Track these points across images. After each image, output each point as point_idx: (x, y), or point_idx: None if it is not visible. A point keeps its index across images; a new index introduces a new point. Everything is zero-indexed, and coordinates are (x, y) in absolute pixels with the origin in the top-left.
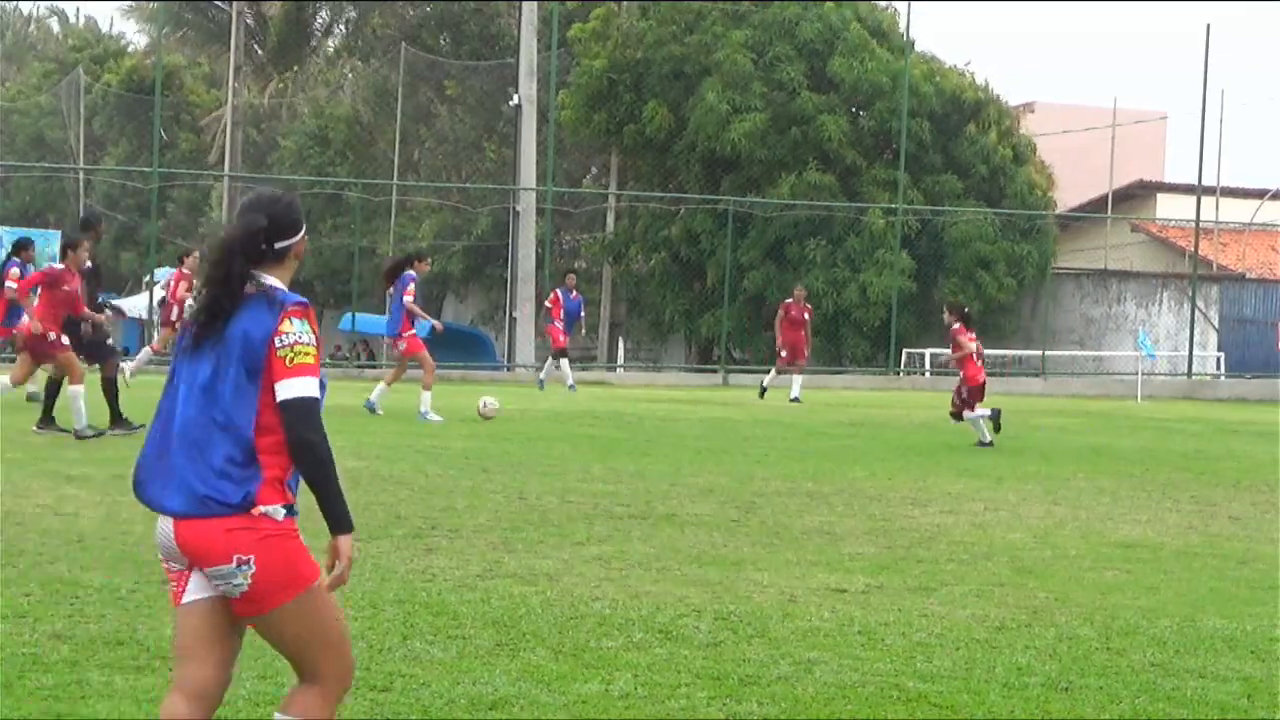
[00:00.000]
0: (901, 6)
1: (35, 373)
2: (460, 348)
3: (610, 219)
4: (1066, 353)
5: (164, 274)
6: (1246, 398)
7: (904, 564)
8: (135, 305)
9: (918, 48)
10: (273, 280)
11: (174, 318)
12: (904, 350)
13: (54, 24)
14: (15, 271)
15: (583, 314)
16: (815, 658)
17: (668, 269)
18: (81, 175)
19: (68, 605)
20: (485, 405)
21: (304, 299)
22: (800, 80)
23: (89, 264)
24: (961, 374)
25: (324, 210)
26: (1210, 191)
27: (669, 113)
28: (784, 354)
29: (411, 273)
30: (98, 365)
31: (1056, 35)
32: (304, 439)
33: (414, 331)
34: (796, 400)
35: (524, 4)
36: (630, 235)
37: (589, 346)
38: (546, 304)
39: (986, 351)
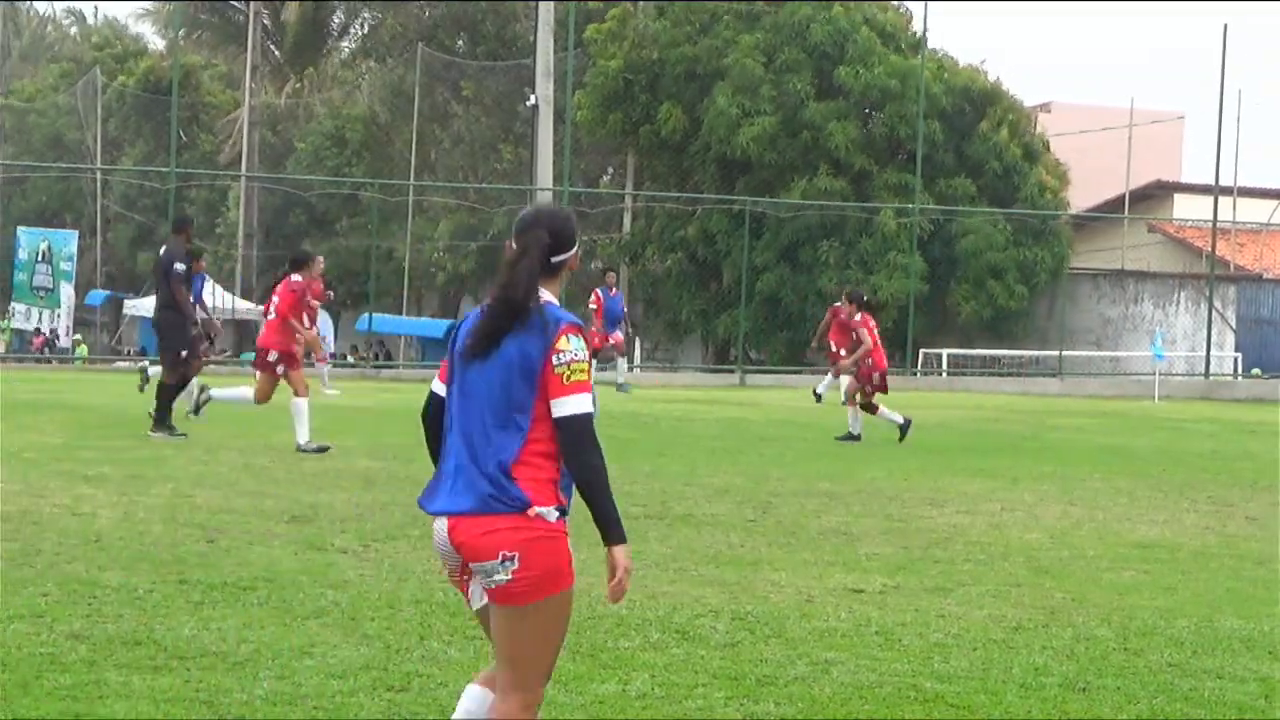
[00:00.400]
0: (916, 7)
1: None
2: None
3: (627, 219)
4: (1083, 353)
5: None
6: (1264, 398)
7: (921, 564)
8: (150, 305)
9: (930, 47)
10: (547, 295)
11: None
12: (920, 350)
13: (72, 28)
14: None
15: (624, 310)
16: (832, 658)
17: (684, 269)
18: (99, 175)
19: (85, 605)
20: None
21: (577, 319)
22: (808, 90)
23: (184, 267)
24: (870, 361)
25: (340, 211)
26: (1227, 192)
27: (683, 114)
28: (843, 353)
29: None
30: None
31: (1073, 35)
32: (580, 453)
33: None
34: (819, 397)
35: (540, 4)
36: (647, 235)
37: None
38: (590, 305)
39: (1003, 353)
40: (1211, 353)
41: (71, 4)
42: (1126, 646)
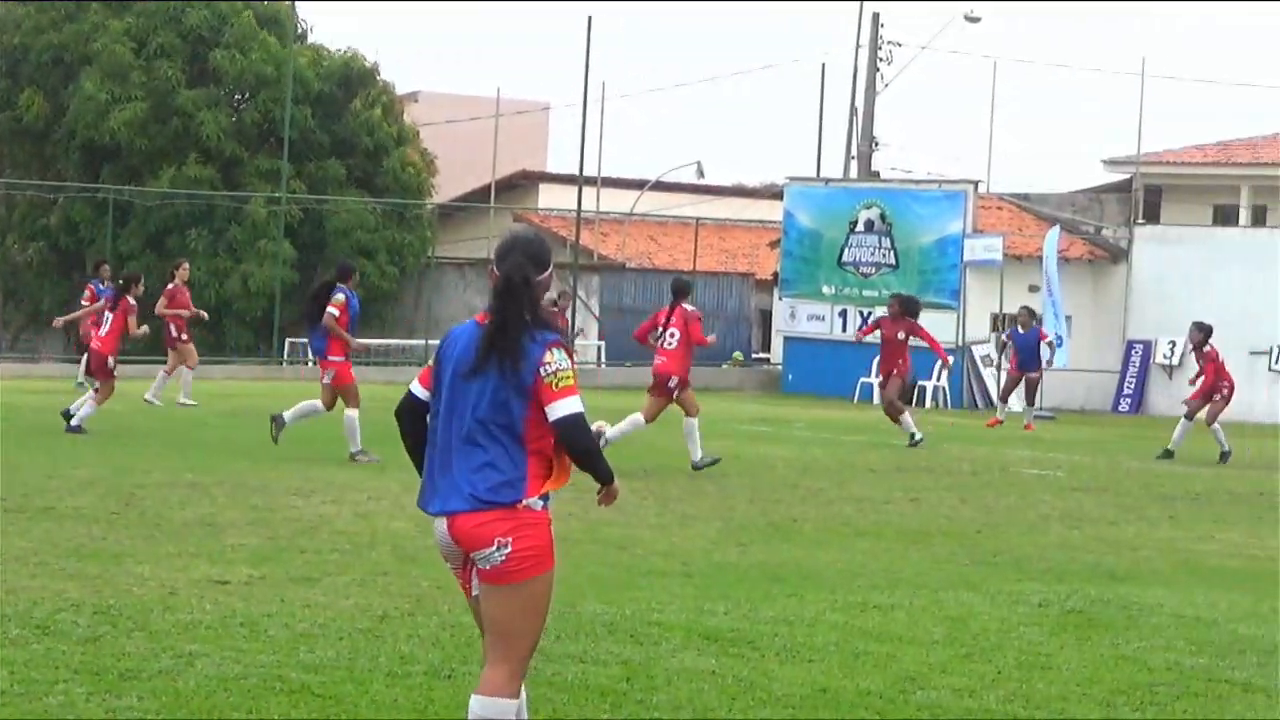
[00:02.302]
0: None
1: None
2: None
3: None
4: None
5: None
6: (626, 385)
7: (287, 555)
8: None
9: (310, 39)
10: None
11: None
12: (287, 340)
13: None
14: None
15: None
16: (197, 650)
17: (46, 258)
18: None
19: None
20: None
21: (560, 336)
22: (179, 77)
23: None
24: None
25: None
26: (591, 182)
27: (46, 101)
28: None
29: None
30: None
31: (442, 21)
32: (580, 447)
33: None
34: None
35: None
36: (7, 224)
37: None
38: (84, 300)
39: (371, 343)
40: (576, 341)
41: None
42: None
